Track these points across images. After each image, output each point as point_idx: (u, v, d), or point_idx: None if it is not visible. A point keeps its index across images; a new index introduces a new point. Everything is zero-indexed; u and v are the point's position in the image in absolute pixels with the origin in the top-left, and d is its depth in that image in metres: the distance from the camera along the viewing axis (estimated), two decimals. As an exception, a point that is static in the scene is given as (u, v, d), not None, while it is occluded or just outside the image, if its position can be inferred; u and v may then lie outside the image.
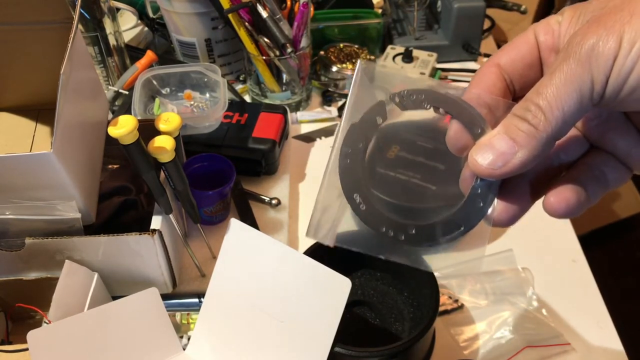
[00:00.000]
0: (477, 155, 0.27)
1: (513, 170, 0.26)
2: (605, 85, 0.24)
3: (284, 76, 0.82)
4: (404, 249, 0.31)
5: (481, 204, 0.29)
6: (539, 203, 0.30)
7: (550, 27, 0.28)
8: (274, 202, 0.69)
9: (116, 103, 0.79)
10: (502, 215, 0.29)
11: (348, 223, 0.32)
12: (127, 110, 0.70)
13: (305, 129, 0.83)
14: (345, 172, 0.30)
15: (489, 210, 0.29)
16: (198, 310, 0.53)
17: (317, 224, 0.32)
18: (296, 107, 0.85)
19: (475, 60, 0.95)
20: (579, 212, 0.28)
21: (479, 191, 0.29)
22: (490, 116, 0.29)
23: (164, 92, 0.74)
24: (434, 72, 0.88)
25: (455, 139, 0.30)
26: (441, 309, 0.60)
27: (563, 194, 0.28)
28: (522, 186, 0.29)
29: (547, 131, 0.25)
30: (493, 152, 0.26)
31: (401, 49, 0.88)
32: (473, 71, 0.92)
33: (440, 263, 0.32)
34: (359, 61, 0.32)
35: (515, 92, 0.30)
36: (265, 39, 0.76)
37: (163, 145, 0.48)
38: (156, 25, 0.94)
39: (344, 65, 0.88)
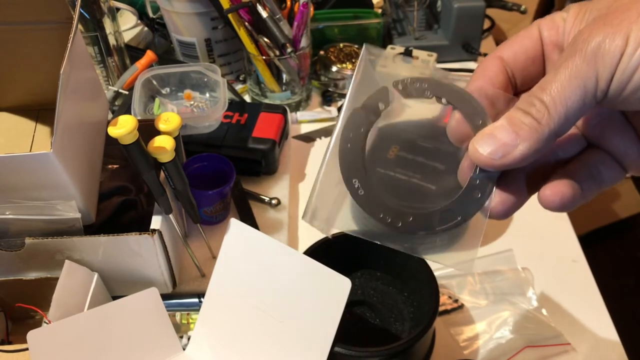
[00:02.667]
0: (478, 144, 0.27)
1: (513, 162, 0.26)
2: (610, 83, 0.24)
3: (284, 76, 0.82)
4: (400, 236, 0.31)
5: (479, 195, 0.29)
6: (537, 203, 0.30)
7: (554, 23, 0.29)
8: (273, 202, 0.69)
9: (116, 103, 0.79)
10: (499, 207, 0.29)
11: (348, 211, 0.31)
12: (127, 110, 0.70)
13: (305, 129, 0.83)
14: (345, 156, 0.30)
15: (487, 202, 0.29)
16: (198, 310, 0.53)
17: (315, 208, 0.32)
18: (296, 107, 0.85)
19: (475, 60, 0.95)
20: (573, 206, 0.28)
21: (477, 182, 0.29)
22: (490, 109, 0.29)
23: (163, 92, 0.74)
24: (434, 72, 0.88)
25: (456, 129, 0.30)
26: (441, 308, 0.60)
27: (558, 188, 0.28)
28: (519, 179, 0.29)
29: (549, 126, 0.25)
30: (495, 142, 0.26)
31: (401, 49, 0.88)
32: (473, 71, 0.92)
33: (434, 257, 0.32)
34: (364, 45, 0.32)
35: (516, 86, 0.30)
36: (265, 39, 0.76)
37: (163, 145, 0.48)
38: (156, 25, 0.94)
39: (344, 65, 0.88)
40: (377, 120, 0.30)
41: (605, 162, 0.29)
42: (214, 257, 0.61)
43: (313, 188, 0.31)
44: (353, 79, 0.31)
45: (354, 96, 0.31)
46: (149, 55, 0.80)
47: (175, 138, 0.49)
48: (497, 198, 0.29)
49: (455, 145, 0.30)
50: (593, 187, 0.29)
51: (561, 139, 0.29)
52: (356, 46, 0.91)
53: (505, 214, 0.29)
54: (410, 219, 0.30)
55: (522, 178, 0.29)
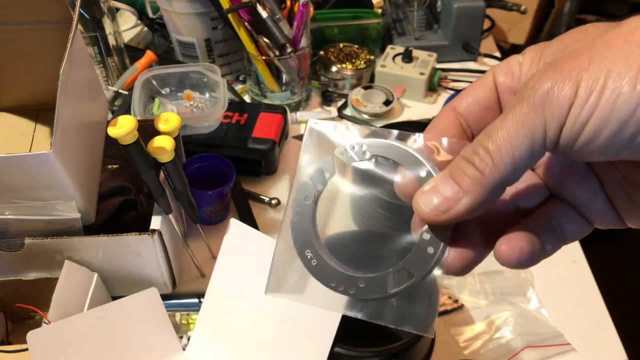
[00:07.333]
0: (420, 200, 0.25)
1: (457, 216, 0.24)
2: (560, 134, 0.22)
3: (284, 76, 0.82)
4: (358, 303, 0.30)
5: (432, 251, 0.27)
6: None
7: (510, 68, 0.27)
8: (273, 202, 0.69)
9: (116, 103, 0.79)
10: (456, 263, 0.27)
11: (312, 283, 0.31)
12: (127, 111, 0.70)
13: (305, 129, 0.83)
14: (296, 230, 0.30)
15: (442, 258, 0.27)
16: (198, 310, 0.53)
17: (280, 278, 0.32)
18: (296, 107, 0.85)
19: (475, 60, 0.95)
20: (533, 263, 0.26)
21: (429, 237, 0.27)
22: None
23: (163, 92, 0.74)
24: (433, 72, 0.88)
25: (403, 186, 0.28)
26: (441, 309, 0.60)
27: (516, 243, 0.26)
28: (476, 232, 0.27)
29: (494, 177, 0.23)
30: (437, 196, 0.25)
31: (401, 49, 0.88)
32: (473, 71, 0.92)
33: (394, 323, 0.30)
34: (309, 120, 0.31)
35: (473, 137, 0.28)
36: (265, 39, 0.76)
37: (163, 146, 0.48)
38: (156, 25, 0.94)
39: (344, 65, 0.88)
40: (325, 188, 0.31)
41: (567, 214, 0.27)
42: (214, 257, 0.61)
43: (273, 259, 0.32)
44: (300, 155, 0.32)
45: (303, 170, 0.31)
46: (149, 55, 0.80)
47: (175, 138, 0.49)
48: (453, 253, 0.27)
49: (406, 202, 0.28)
50: (555, 241, 0.27)
51: (521, 188, 0.28)
52: (356, 46, 0.91)
53: (464, 269, 0.27)
54: (362, 284, 0.28)
55: (476, 231, 0.27)
